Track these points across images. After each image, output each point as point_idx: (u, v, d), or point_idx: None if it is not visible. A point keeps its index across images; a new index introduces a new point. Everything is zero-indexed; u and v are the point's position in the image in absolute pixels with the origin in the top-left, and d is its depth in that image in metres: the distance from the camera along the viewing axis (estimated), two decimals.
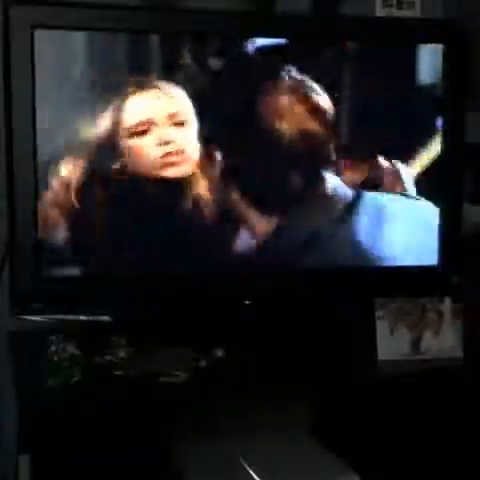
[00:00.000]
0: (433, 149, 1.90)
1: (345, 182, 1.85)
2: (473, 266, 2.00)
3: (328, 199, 1.85)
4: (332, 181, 1.85)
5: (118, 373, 1.66)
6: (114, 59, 1.72)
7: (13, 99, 1.64)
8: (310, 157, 1.83)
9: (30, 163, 1.66)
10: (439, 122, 1.89)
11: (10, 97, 1.64)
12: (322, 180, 1.84)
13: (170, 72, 1.73)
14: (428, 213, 1.91)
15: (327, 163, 1.84)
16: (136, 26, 1.72)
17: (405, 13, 2.00)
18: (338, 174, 1.85)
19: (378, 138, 1.86)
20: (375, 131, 1.86)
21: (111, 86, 1.70)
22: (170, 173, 1.75)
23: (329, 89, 1.81)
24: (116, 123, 1.70)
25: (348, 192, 1.86)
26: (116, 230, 1.75)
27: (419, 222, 1.91)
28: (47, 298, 1.76)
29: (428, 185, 1.91)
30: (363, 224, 1.87)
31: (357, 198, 1.86)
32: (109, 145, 1.71)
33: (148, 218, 1.77)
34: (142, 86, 1.71)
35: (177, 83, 1.73)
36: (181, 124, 1.74)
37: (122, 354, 1.71)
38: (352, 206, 1.86)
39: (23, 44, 1.63)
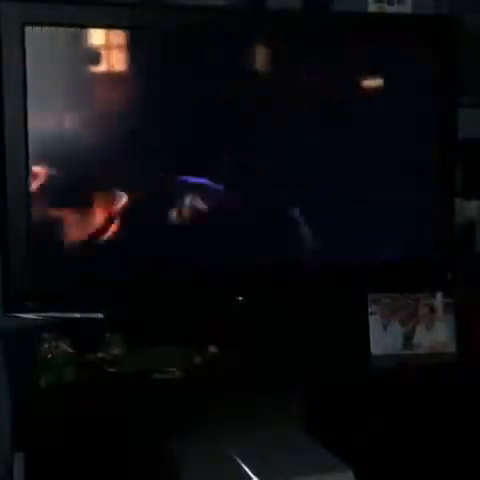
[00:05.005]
0: (426, 144, 1.90)
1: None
2: (465, 261, 2.01)
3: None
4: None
5: (112, 370, 1.66)
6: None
7: (4, 98, 1.63)
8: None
9: (22, 162, 1.66)
10: (432, 118, 1.90)
11: (1, 95, 1.63)
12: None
13: None
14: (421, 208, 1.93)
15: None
16: (130, 22, 1.71)
17: (396, 9, 2.00)
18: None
19: (372, 135, 1.87)
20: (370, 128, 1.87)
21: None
22: None
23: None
24: None
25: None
26: (109, 228, 1.76)
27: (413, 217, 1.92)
28: (40, 296, 1.76)
29: (421, 180, 1.91)
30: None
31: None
32: None
33: (140, 216, 1.77)
34: None
35: None
36: None
37: (116, 351, 1.70)
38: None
39: (14, 41, 1.63)
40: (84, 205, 1.73)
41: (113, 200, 1.75)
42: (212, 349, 1.75)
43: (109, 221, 1.76)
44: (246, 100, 1.79)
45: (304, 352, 1.81)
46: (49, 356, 1.64)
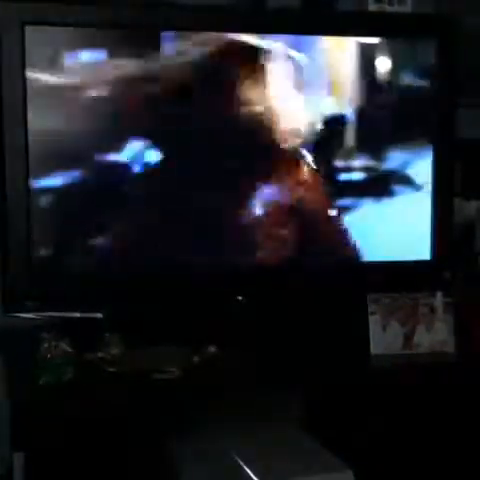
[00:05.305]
0: (424, 144, 1.90)
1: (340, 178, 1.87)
2: (465, 261, 2.01)
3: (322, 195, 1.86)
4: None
5: (111, 370, 1.66)
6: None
7: (4, 98, 1.63)
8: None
9: (22, 162, 1.66)
10: (430, 118, 1.90)
11: (1, 95, 1.63)
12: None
13: None
14: (421, 208, 1.92)
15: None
16: (130, 22, 1.71)
17: (396, 8, 2.00)
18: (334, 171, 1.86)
19: (371, 133, 1.87)
20: (368, 127, 1.87)
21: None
22: None
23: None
24: None
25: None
26: (108, 229, 1.76)
27: (412, 217, 1.92)
28: (40, 295, 1.76)
29: (420, 180, 1.92)
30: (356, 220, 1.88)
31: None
32: None
33: (139, 217, 1.77)
34: None
35: None
36: None
37: (115, 351, 1.71)
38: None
39: (14, 41, 1.62)
40: (84, 205, 1.74)
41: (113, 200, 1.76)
42: (212, 349, 1.75)
43: (109, 221, 1.76)
44: None
45: (304, 352, 1.81)
46: (49, 356, 1.64)
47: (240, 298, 1.85)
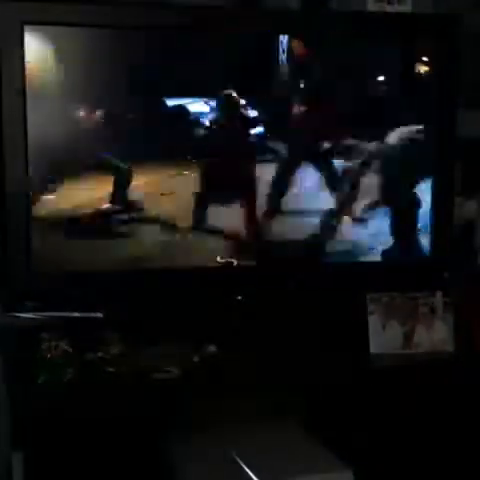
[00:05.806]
0: (425, 144, 1.90)
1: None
2: (464, 260, 2.01)
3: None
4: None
5: (111, 370, 1.66)
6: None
7: (4, 97, 1.63)
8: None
9: (22, 162, 1.65)
10: (431, 117, 1.90)
11: (0, 95, 1.63)
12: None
13: None
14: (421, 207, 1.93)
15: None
16: (129, 22, 1.71)
17: (396, 8, 2.00)
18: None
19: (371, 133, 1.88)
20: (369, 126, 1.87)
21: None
22: None
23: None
24: None
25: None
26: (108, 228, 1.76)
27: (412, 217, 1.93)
28: (39, 295, 1.76)
29: (420, 180, 1.92)
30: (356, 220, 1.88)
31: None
32: None
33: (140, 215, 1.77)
34: None
35: None
36: None
37: (115, 351, 1.71)
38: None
39: (14, 41, 1.62)
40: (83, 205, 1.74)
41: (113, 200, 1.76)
42: (212, 349, 1.75)
43: (108, 222, 1.76)
44: None
45: (304, 352, 1.81)
46: (49, 356, 1.64)
47: (240, 298, 1.85)
